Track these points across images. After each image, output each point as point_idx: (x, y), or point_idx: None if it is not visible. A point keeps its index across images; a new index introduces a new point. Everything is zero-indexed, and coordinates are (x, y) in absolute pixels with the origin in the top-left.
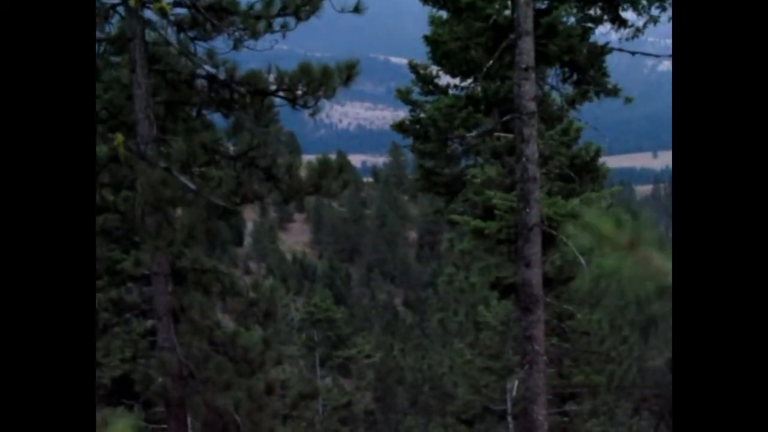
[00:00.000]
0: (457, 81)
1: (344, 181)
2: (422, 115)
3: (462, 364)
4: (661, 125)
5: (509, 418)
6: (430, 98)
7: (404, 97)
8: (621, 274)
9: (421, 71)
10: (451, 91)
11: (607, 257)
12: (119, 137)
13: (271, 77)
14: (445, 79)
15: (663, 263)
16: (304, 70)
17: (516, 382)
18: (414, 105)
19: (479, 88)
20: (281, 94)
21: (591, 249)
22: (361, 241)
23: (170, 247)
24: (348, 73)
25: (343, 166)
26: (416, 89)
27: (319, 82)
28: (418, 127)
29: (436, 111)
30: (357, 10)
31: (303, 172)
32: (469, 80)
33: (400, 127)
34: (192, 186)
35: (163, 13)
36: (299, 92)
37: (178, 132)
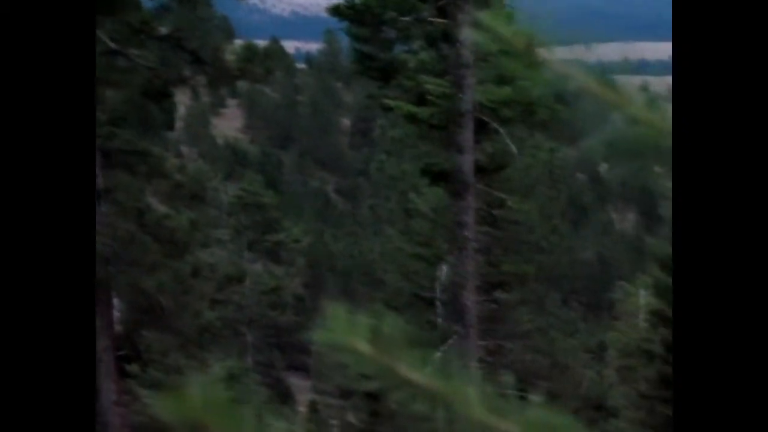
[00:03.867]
0: None
1: (270, 66)
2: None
3: (392, 251)
4: (593, 16)
5: (438, 304)
6: None
7: None
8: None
9: None
10: None
11: (506, 60)
12: None
13: None
14: None
15: (561, 66)
16: None
17: (445, 269)
18: None
19: None
20: None
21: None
22: (294, 127)
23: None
24: None
25: (270, 51)
26: None
27: None
28: (352, 11)
29: None
30: None
31: (230, 57)
32: None
33: (336, 11)
34: (114, 65)
35: None
36: None
37: (104, 11)
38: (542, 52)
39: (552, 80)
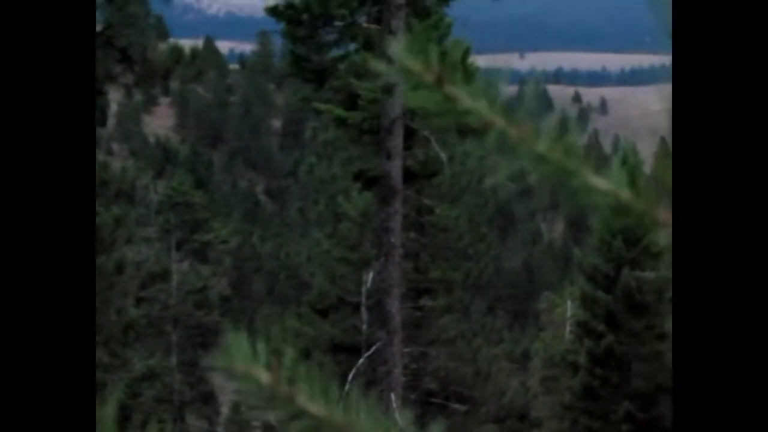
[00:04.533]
0: None
1: (199, 67)
2: (297, 0)
3: (319, 254)
4: (530, 27)
5: (363, 310)
6: None
7: None
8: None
9: None
10: None
11: (413, 94)
12: None
13: None
14: None
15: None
16: None
17: (371, 274)
18: None
19: None
20: None
21: (397, 84)
22: (225, 127)
23: None
24: None
25: (197, 53)
26: None
27: None
28: (291, 12)
29: None
30: None
31: (159, 56)
32: None
33: (273, 11)
34: None
35: None
36: None
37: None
38: (450, 88)
39: (459, 115)
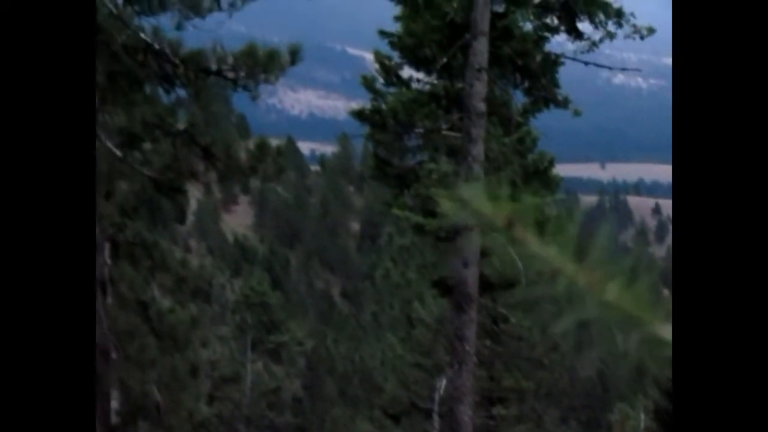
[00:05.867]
0: (421, 75)
1: (281, 166)
2: (383, 105)
3: (393, 359)
4: (611, 136)
5: (435, 416)
6: (391, 89)
7: (369, 84)
8: (499, 254)
9: (387, 62)
10: (414, 85)
11: (484, 236)
12: None
13: (215, 58)
14: (408, 72)
15: (541, 249)
16: (249, 51)
17: (444, 381)
18: (377, 94)
19: (442, 85)
20: (224, 74)
21: (469, 224)
22: (303, 228)
23: (104, 220)
24: (292, 57)
25: (282, 151)
26: (380, 79)
27: (262, 66)
28: (377, 116)
29: (398, 103)
30: None
31: (242, 154)
32: (432, 76)
33: (359, 114)
34: (126, 158)
35: None
36: (242, 74)
37: (119, 103)
38: (521, 231)
39: (528, 260)
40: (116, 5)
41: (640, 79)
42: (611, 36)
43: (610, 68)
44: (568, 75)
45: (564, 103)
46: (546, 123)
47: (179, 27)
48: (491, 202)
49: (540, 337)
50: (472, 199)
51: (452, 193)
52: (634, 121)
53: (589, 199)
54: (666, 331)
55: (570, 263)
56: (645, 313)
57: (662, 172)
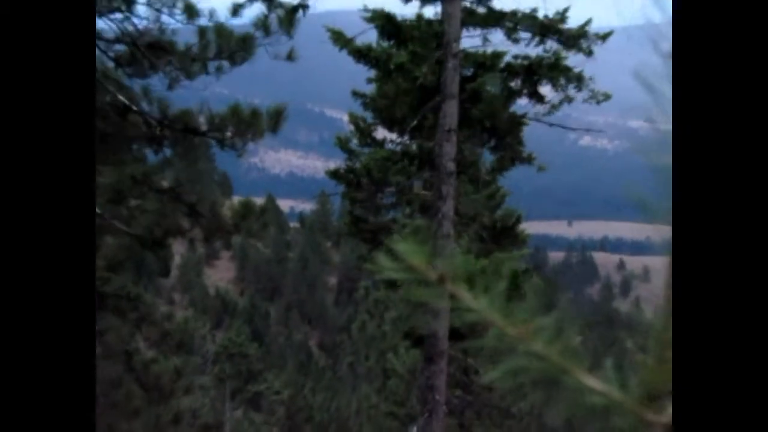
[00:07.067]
0: (393, 136)
1: (265, 223)
2: (357, 164)
3: (367, 408)
4: (578, 195)
5: None
6: (365, 149)
7: (343, 145)
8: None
9: (361, 123)
10: (387, 145)
11: (415, 289)
12: None
13: (203, 118)
14: (382, 132)
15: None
16: (234, 112)
17: (415, 429)
18: (351, 153)
19: (414, 145)
20: (211, 134)
21: (401, 283)
22: (283, 282)
23: None
24: (276, 117)
25: (265, 208)
26: (355, 139)
27: (247, 125)
28: (352, 175)
29: (372, 161)
30: (290, 57)
31: (226, 212)
32: (405, 136)
33: (334, 174)
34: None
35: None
36: (228, 133)
37: (109, 162)
38: (452, 287)
39: (461, 311)
40: (105, 66)
41: (605, 141)
42: (569, 100)
43: (574, 129)
44: (537, 136)
45: (528, 160)
46: (516, 182)
47: (170, 88)
48: (425, 257)
49: (504, 385)
50: (408, 255)
51: (389, 248)
52: (600, 181)
53: (556, 255)
54: (592, 381)
55: (499, 316)
56: (571, 364)
57: (626, 230)
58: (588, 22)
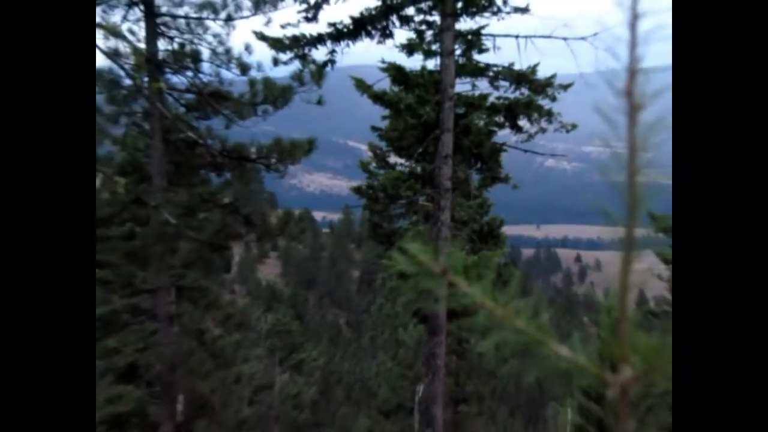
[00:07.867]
0: (402, 161)
1: (302, 228)
2: (375, 183)
3: (384, 372)
4: (544, 205)
5: (416, 414)
6: (381, 171)
7: (364, 167)
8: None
9: (377, 151)
10: (398, 168)
11: (422, 279)
12: (121, 181)
13: (253, 149)
14: (394, 158)
15: (466, 287)
16: (277, 143)
17: (421, 387)
18: (371, 174)
19: (419, 167)
20: (260, 161)
21: (411, 274)
22: (318, 275)
23: (170, 270)
24: (309, 146)
25: (302, 218)
26: (373, 163)
27: (287, 153)
28: (371, 191)
29: (387, 180)
30: (319, 102)
31: (273, 220)
32: (412, 161)
33: (358, 190)
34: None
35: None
36: (273, 160)
37: (182, 185)
38: (450, 277)
39: (458, 296)
40: (178, 111)
41: (565, 163)
42: (543, 130)
43: (541, 154)
44: (512, 160)
45: (506, 179)
46: (496, 196)
47: (228, 127)
48: (430, 255)
49: (493, 354)
50: (417, 253)
51: (402, 248)
52: (560, 194)
53: (528, 252)
54: (562, 350)
55: (489, 300)
56: (545, 337)
57: (582, 231)
58: (553, 75)
